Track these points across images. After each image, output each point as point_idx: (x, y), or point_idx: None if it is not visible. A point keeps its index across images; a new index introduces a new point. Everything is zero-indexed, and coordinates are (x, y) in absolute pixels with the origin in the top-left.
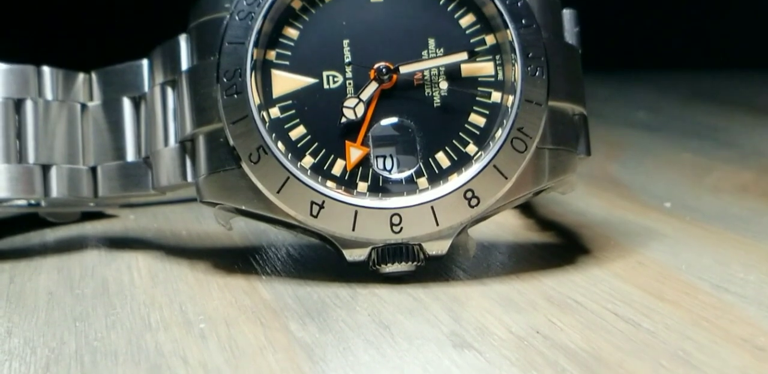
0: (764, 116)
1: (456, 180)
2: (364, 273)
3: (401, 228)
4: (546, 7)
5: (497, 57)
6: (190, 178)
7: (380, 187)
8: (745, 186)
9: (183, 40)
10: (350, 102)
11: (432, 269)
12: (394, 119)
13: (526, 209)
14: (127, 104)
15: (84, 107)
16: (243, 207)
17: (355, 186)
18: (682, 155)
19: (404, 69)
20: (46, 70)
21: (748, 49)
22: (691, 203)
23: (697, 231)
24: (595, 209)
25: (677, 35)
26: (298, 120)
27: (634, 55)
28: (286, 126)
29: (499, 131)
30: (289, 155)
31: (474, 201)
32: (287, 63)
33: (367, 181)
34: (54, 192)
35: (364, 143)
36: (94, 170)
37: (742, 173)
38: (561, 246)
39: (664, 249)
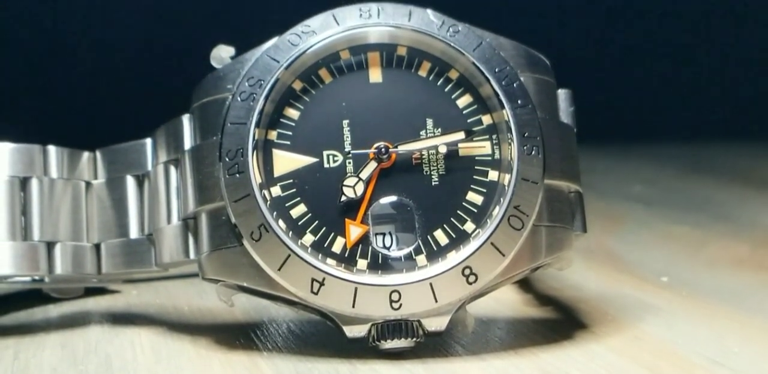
0: (760, 188)
1: (454, 257)
2: (364, 349)
3: (400, 305)
4: (541, 87)
5: (494, 136)
6: (192, 255)
7: (380, 264)
8: (740, 259)
9: (186, 120)
10: (350, 181)
11: (431, 345)
12: (393, 198)
13: (524, 284)
14: (130, 182)
15: (88, 184)
16: (245, 284)
17: (355, 263)
18: (678, 228)
19: (403, 148)
20: (51, 149)
21: (744, 120)
22: (687, 277)
23: (692, 305)
24: (592, 283)
25: (673, 108)
26: (298, 199)
27: (631, 128)
28: (287, 204)
29: (497, 208)
30: (290, 233)
31: (472, 278)
32: (288, 143)
33: (366, 258)
34: (58, 269)
35: (364, 221)
36: (97, 246)
37: (738, 246)
38: (558, 321)
39: (660, 324)
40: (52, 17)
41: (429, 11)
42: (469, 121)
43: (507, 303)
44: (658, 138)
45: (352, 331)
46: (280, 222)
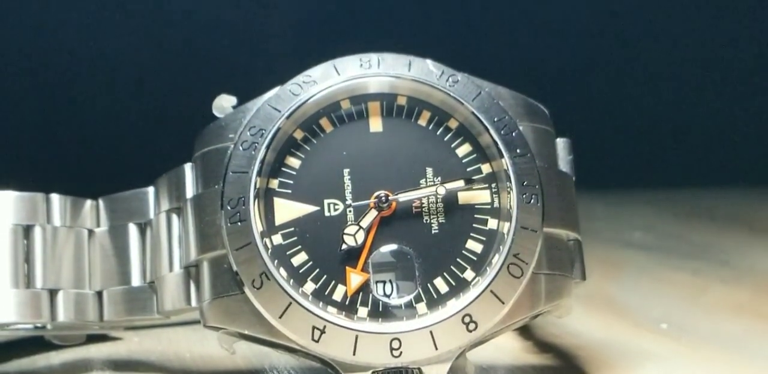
0: (759, 233)
1: (454, 305)
2: None
3: (401, 352)
4: (540, 136)
5: (493, 185)
6: (194, 303)
7: (380, 312)
8: (740, 306)
9: (188, 169)
10: (350, 229)
11: None
12: (393, 246)
13: (524, 331)
14: (133, 230)
15: (91, 232)
16: (246, 332)
17: (356, 311)
18: (678, 274)
19: (403, 197)
20: (54, 197)
21: (743, 165)
22: (686, 324)
23: (692, 352)
24: (592, 330)
25: (672, 153)
26: (299, 247)
27: (630, 174)
28: (288, 253)
29: (496, 256)
30: (291, 281)
31: (472, 326)
32: (289, 191)
33: (367, 306)
34: (61, 316)
35: (365, 269)
36: (100, 294)
37: (738, 292)
38: (559, 368)
39: (659, 370)
40: (54, 64)
41: (428, 61)
42: (468, 170)
43: (507, 350)
44: (656, 184)
45: None
46: (282, 270)
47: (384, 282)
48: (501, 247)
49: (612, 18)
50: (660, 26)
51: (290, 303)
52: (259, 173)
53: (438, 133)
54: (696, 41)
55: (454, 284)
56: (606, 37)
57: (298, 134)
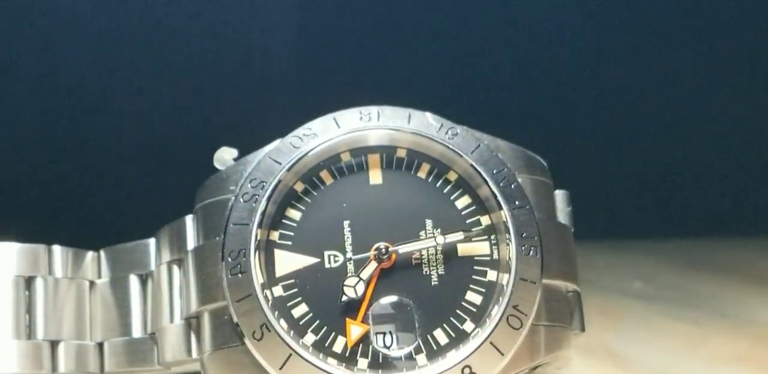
0: (759, 283)
1: (454, 357)
2: None
3: None
4: (539, 188)
5: (492, 237)
6: (194, 354)
7: (380, 363)
8: (740, 356)
9: (189, 221)
10: (351, 281)
11: None
12: (393, 297)
13: None
14: (134, 281)
15: (92, 284)
16: None
17: (356, 363)
18: (677, 324)
19: (402, 249)
20: (56, 248)
21: (742, 215)
22: None
23: None
24: None
25: (671, 203)
26: (300, 298)
27: (629, 224)
28: (288, 304)
29: (495, 308)
30: (292, 332)
31: None
32: (290, 243)
33: (367, 357)
34: (62, 368)
35: (365, 321)
36: (101, 345)
37: (737, 342)
38: None
39: None
40: (55, 113)
41: (428, 114)
42: (467, 221)
43: None
44: (656, 233)
45: None
46: (282, 322)
47: (384, 334)
48: (500, 299)
49: (614, 68)
50: (661, 76)
51: (290, 355)
52: (259, 225)
53: (437, 185)
54: (695, 91)
55: (453, 335)
56: (606, 86)
57: (299, 186)
